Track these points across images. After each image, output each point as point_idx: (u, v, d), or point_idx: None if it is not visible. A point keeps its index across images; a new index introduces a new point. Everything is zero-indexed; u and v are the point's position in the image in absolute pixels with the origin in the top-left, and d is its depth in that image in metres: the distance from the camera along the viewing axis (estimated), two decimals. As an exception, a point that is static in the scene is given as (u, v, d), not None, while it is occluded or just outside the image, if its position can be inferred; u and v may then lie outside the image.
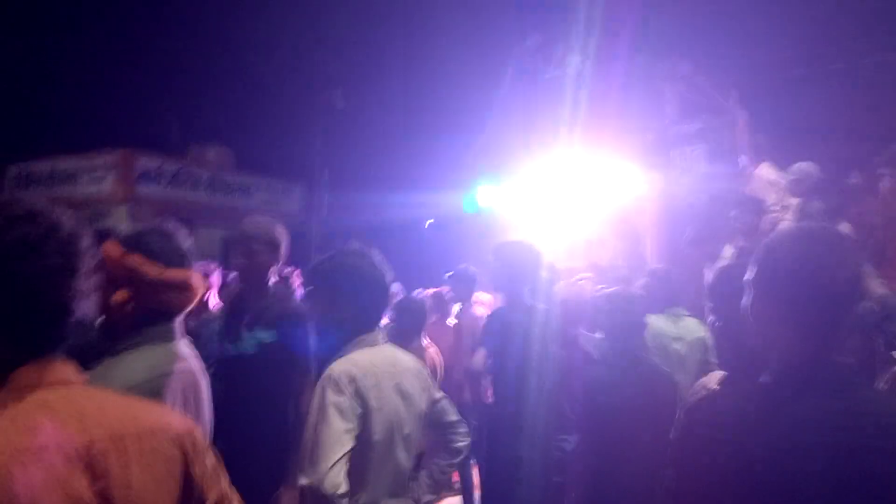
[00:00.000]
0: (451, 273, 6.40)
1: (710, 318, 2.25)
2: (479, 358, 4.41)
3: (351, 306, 2.39)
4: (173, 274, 2.11)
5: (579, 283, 5.00)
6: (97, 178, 11.00)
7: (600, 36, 9.02)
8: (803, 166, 5.82)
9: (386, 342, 2.52)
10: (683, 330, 4.60)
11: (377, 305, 2.49)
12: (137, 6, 13.26)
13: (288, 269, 5.59)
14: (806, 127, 8.08)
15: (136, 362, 1.97)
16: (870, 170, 7.05)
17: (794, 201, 6.01)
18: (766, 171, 6.76)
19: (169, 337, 2.11)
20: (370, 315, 2.46)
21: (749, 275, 1.55)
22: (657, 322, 4.52)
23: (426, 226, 13.43)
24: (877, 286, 3.63)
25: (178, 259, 2.16)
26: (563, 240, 9.51)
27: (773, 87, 8.87)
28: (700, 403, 1.62)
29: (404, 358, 2.53)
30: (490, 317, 4.36)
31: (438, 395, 2.59)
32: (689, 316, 4.72)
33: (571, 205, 9.10)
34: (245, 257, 3.50)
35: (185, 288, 2.14)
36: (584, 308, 4.42)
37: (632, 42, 9.06)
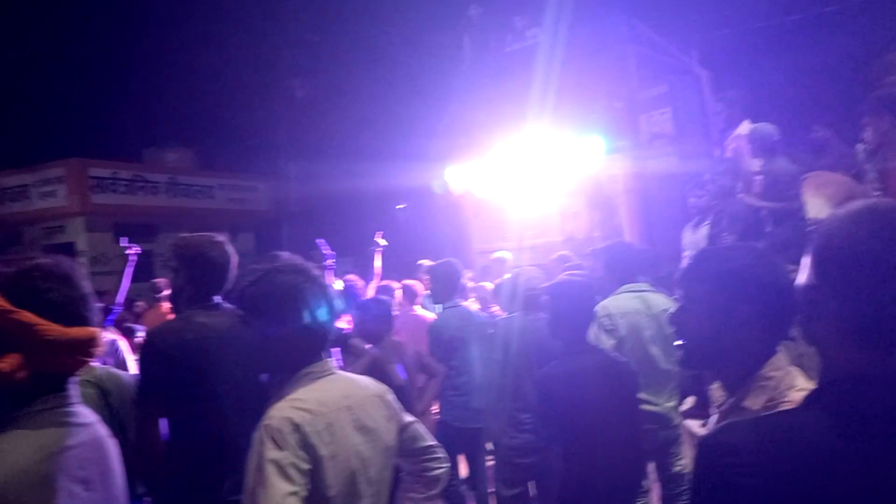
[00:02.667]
0: (429, 266, 5.79)
1: (680, 307, 1.96)
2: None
3: (291, 334, 2.02)
4: (78, 332, 1.75)
5: (527, 270, 4.95)
6: (49, 191, 10.61)
7: (560, 4, 8.79)
8: (761, 127, 5.64)
9: (337, 370, 2.14)
10: (647, 305, 4.37)
11: (323, 329, 2.09)
12: (83, 2, 12.70)
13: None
14: (771, 81, 7.98)
15: (23, 442, 1.66)
16: (836, 121, 6.96)
17: (758, 162, 5.85)
18: (743, 132, 6.60)
19: (64, 403, 1.78)
20: (315, 341, 2.09)
21: (810, 273, 1.25)
22: (621, 300, 4.37)
23: (397, 209, 13.20)
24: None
25: (82, 311, 1.79)
26: (536, 214, 9.35)
27: (733, 43, 8.76)
28: (727, 439, 1.25)
29: (362, 384, 2.17)
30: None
31: (407, 419, 2.25)
32: (651, 290, 4.50)
33: (543, 179, 8.92)
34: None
35: (90, 346, 1.79)
36: (534, 295, 4.30)
37: (592, 8, 8.86)
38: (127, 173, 11.26)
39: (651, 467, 4.20)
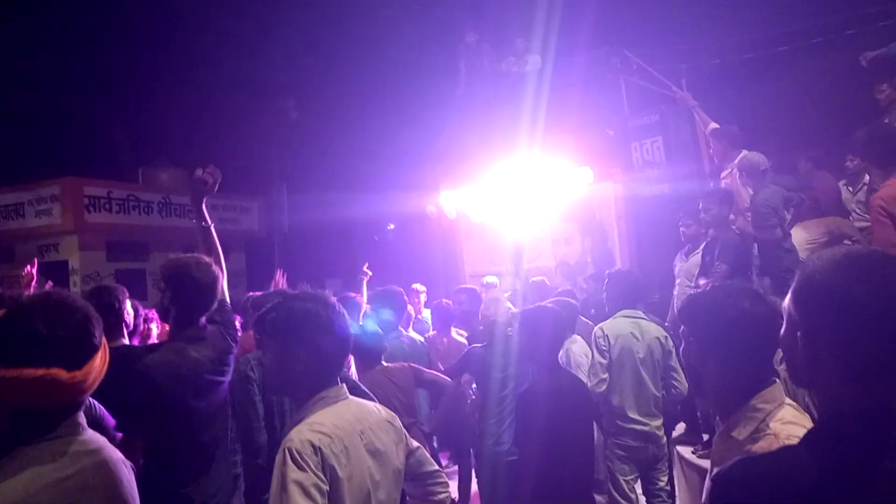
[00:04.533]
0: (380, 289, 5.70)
1: (684, 343, 2.13)
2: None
3: (309, 359, 2.10)
4: (14, 374, 1.71)
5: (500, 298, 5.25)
6: (44, 209, 10.61)
7: (555, 34, 8.96)
8: (750, 155, 5.80)
9: (349, 395, 2.23)
10: (641, 331, 4.65)
11: (338, 355, 2.19)
12: (76, 20, 12.72)
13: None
14: (760, 111, 8.12)
15: (17, 476, 1.67)
16: (819, 153, 7.14)
17: (748, 191, 5.98)
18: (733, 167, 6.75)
19: (64, 433, 1.79)
20: (331, 367, 2.17)
21: (793, 308, 1.33)
22: (617, 324, 4.67)
23: (387, 229, 13.24)
24: None
25: (37, 352, 1.75)
26: (528, 239, 9.45)
27: (721, 73, 8.91)
28: (740, 476, 1.29)
29: (373, 410, 2.27)
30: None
31: (413, 445, 2.34)
32: (644, 318, 4.76)
33: (535, 204, 9.03)
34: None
35: (54, 386, 1.75)
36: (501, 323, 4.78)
37: (586, 38, 9.01)
38: (121, 192, 11.27)
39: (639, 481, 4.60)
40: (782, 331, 1.35)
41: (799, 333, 1.28)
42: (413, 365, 4.55)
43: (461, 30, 11.10)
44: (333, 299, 2.24)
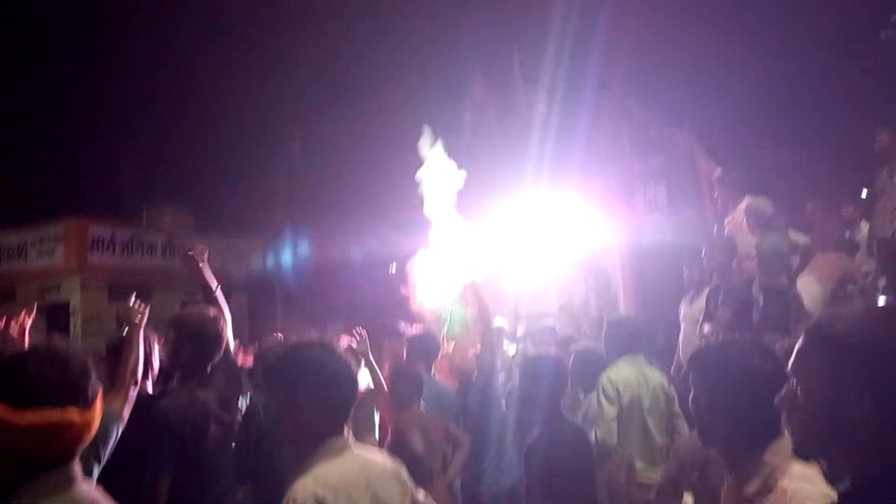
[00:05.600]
0: (414, 334, 5.50)
1: (693, 393, 2.12)
2: None
3: (313, 407, 2.08)
4: (34, 417, 1.69)
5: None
6: (47, 249, 10.64)
7: (561, 78, 9.05)
8: (756, 201, 5.82)
9: (354, 445, 2.20)
10: (645, 378, 4.57)
11: (344, 403, 2.16)
12: (82, 60, 12.91)
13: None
14: (763, 158, 8.17)
15: None
16: (825, 197, 7.15)
17: (755, 236, 5.99)
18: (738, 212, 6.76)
19: (56, 488, 1.73)
20: (336, 416, 2.14)
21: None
22: (623, 372, 4.57)
23: (391, 270, 13.20)
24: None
25: (43, 394, 1.73)
26: (532, 283, 9.41)
27: (724, 121, 8.97)
28: None
29: (378, 461, 2.24)
30: None
31: (420, 496, 2.31)
32: (647, 364, 4.68)
33: (539, 248, 9.01)
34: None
35: (59, 431, 1.72)
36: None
37: (591, 83, 9.10)
38: (125, 233, 11.32)
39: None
40: (809, 394, 1.33)
41: (848, 392, 1.26)
42: (445, 421, 4.58)
43: (468, 73, 11.24)
44: (339, 347, 2.24)
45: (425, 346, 5.14)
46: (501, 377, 5.53)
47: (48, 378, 1.75)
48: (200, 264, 3.64)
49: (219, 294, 3.63)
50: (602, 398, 4.45)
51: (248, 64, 13.70)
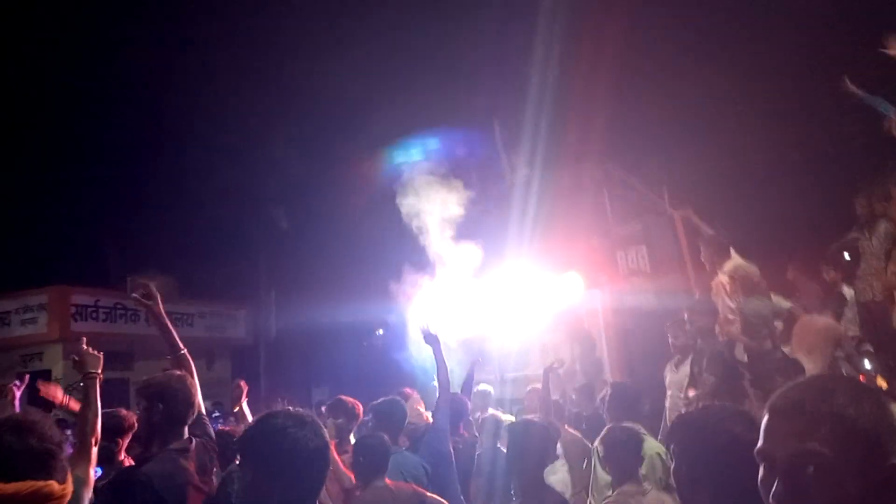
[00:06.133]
0: (376, 403, 5.11)
1: (674, 463, 2.08)
2: None
3: (283, 482, 2.02)
4: (15, 488, 1.70)
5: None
6: (30, 318, 10.55)
7: (538, 147, 9.26)
8: (744, 266, 5.92)
9: None
10: (643, 447, 4.49)
11: (314, 481, 2.10)
12: (65, 129, 12.99)
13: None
14: (743, 224, 8.33)
15: None
16: (805, 261, 7.29)
17: (739, 300, 6.07)
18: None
19: None
20: (304, 493, 2.07)
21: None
22: None
23: (376, 335, 13.18)
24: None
25: (25, 464, 1.77)
26: (517, 347, 9.42)
27: (702, 185, 9.16)
28: None
29: None
30: None
31: None
32: (645, 432, 4.63)
33: (524, 312, 9.06)
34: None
35: (41, 499, 1.74)
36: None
37: (569, 151, 9.32)
38: (108, 301, 11.25)
39: None
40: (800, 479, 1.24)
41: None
42: (418, 489, 4.22)
43: (450, 144, 11.43)
44: (313, 418, 2.19)
45: (390, 415, 4.78)
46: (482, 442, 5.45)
47: (30, 449, 1.78)
48: (151, 302, 3.54)
49: (188, 359, 3.56)
50: (597, 464, 4.44)
51: (233, 133, 13.85)
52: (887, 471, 1.18)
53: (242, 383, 4.72)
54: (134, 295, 3.54)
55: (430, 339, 5.00)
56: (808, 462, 1.20)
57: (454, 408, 5.66)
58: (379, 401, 4.99)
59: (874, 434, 1.19)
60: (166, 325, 3.54)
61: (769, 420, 1.29)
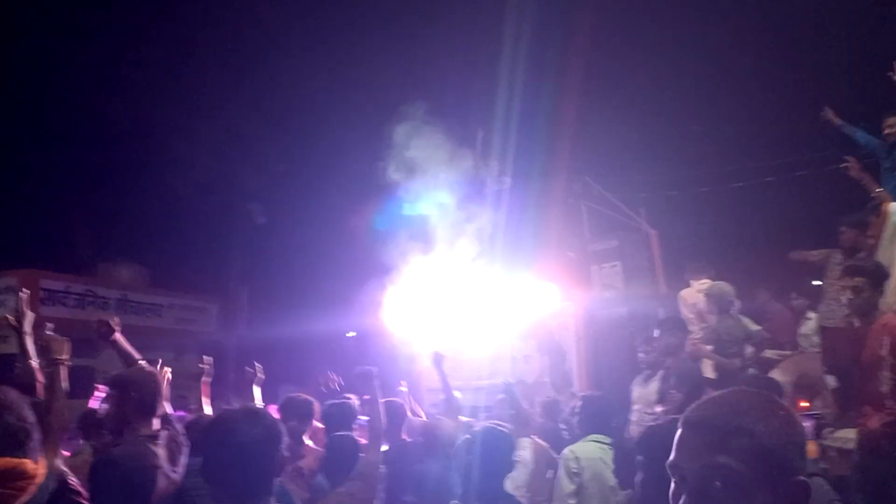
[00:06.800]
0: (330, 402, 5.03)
1: (638, 476, 2.13)
2: None
3: (232, 481, 2.03)
4: (6, 462, 1.77)
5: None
6: (-2, 300, 10.36)
7: (521, 158, 9.33)
8: (719, 285, 6.04)
9: None
10: (610, 457, 4.48)
11: (264, 478, 2.10)
12: (43, 115, 12.83)
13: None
14: (717, 243, 8.50)
15: None
16: (776, 285, 7.45)
17: (713, 319, 6.19)
18: (687, 293, 6.99)
19: None
20: (254, 491, 2.07)
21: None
22: (588, 448, 4.50)
23: (347, 337, 13.15)
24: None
25: (1, 441, 1.81)
26: (487, 356, 9.45)
27: (679, 205, 9.30)
28: None
29: None
30: None
31: None
32: (610, 445, 4.62)
33: (495, 322, 9.10)
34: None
35: (13, 478, 1.77)
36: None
37: (548, 164, 9.41)
38: (79, 287, 11.10)
39: None
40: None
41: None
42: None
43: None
44: (270, 419, 2.23)
45: (342, 416, 4.75)
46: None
47: (7, 426, 1.82)
48: (116, 334, 3.78)
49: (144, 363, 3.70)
50: (562, 472, 4.41)
51: (213, 126, 13.76)
52: (794, 486, 1.21)
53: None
54: (101, 324, 3.82)
55: (437, 361, 5.30)
56: (717, 475, 1.22)
57: (391, 412, 5.53)
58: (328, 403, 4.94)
59: (781, 450, 1.23)
60: (129, 354, 3.77)
61: (681, 433, 1.31)
